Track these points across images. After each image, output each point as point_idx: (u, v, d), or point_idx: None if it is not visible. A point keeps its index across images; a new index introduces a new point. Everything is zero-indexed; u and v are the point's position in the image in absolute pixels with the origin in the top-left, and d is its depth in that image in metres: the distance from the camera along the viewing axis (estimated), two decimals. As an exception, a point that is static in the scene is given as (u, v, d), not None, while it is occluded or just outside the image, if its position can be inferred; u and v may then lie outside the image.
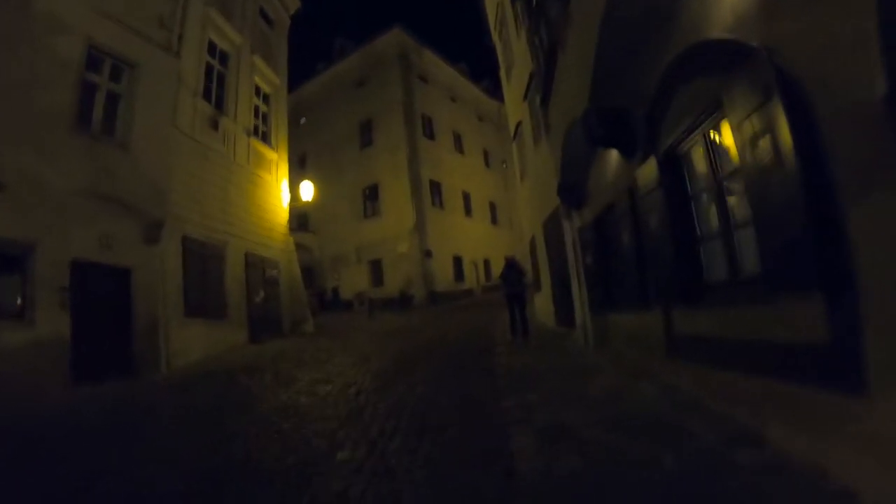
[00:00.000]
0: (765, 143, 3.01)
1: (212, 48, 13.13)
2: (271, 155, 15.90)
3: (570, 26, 5.45)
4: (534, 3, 7.18)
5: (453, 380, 6.84)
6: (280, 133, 16.76)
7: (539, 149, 10.17)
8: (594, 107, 4.87)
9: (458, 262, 28.87)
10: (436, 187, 28.29)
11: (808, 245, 2.74)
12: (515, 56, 12.01)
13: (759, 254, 3.34)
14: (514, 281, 10.08)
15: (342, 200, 28.47)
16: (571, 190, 7.43)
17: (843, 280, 2.53)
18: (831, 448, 2.68)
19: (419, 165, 27.01)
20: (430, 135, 29.10)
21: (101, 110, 9.41)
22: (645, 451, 3.46)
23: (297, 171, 26.49)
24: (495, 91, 36.56)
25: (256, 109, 15.35)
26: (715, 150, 3.85)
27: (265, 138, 15.73)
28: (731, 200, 3.76)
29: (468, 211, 31.44)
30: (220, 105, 13.20)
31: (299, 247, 19.68)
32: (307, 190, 17.50)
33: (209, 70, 12.95)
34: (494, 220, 34.73)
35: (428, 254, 25.79)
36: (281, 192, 16.31)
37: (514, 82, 12.71)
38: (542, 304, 12.51)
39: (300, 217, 29.02)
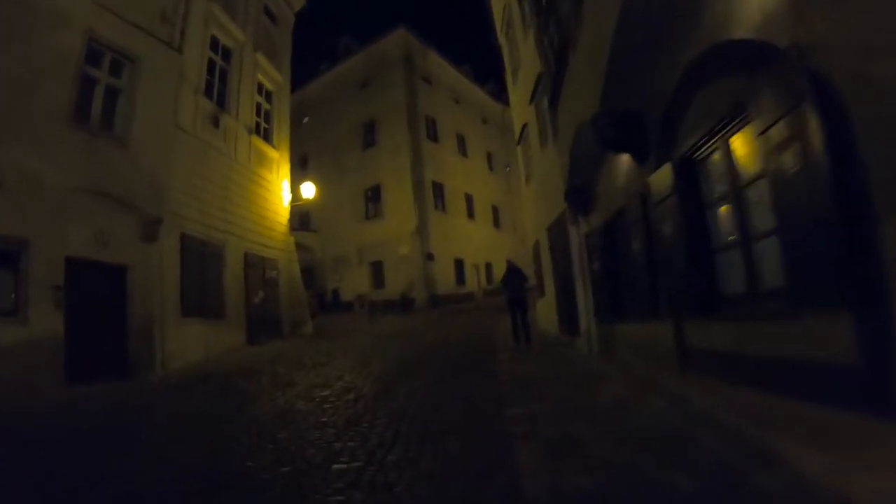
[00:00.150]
0: (794, 150, 2.85)
1: (214, 44, 12.98)
2: (273, 153, 15.74)
3: (582, 26, 5.28)
4: (543, 1, 7.02)
5: (455, 386, 6.66)
6: (282, 132, 16.61)
7: (545, 152, 10.00)
8: (606, 109, 4.70)
9: (459, 265, 28.70)
10: (438, 189, 28.13)
11: (839, 258, 2.58)
12: (522, 58, 11.84)
13: (782, 266, 3.18)
14: (515, 285, 9.92)
15: (344, 201, 28.32)
16: (579, 194, 7.26)
17: (876, 296, 2.38)
18: (857, 474, 2.51)
19: (422, 167, 26.85)
20: (434, 137, 28.94)
21: (100, 105, 9.26)
22: (658, 468, 3.28)
23: (300, 171, 26.40)
24: (500, 94, 36.47)
25: (258, 107, 15.20)
26: (735, 157, 3.67)
27: (267, 136, 15.57)
28: (752, 209, 3.59)
29: (471, 214, 31.27)
30: (221, 102, 13.04)
31: (300, 246, 19.51)
32: (309, 190, 17.31)
33: (211, 66, 12.80)
34: (497, 224, 34.55)
35: (430, 256, 25.62)
36: (282, 191, 16.15)
37: (521, 84, 12.54)
38: (544, 311, 12.32)
39: (302, 216, 28.89)
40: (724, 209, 3.92)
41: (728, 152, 3.72)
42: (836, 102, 2.54)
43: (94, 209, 8.68)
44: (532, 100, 10.38)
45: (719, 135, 3.74)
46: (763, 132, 3.14)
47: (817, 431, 2.91)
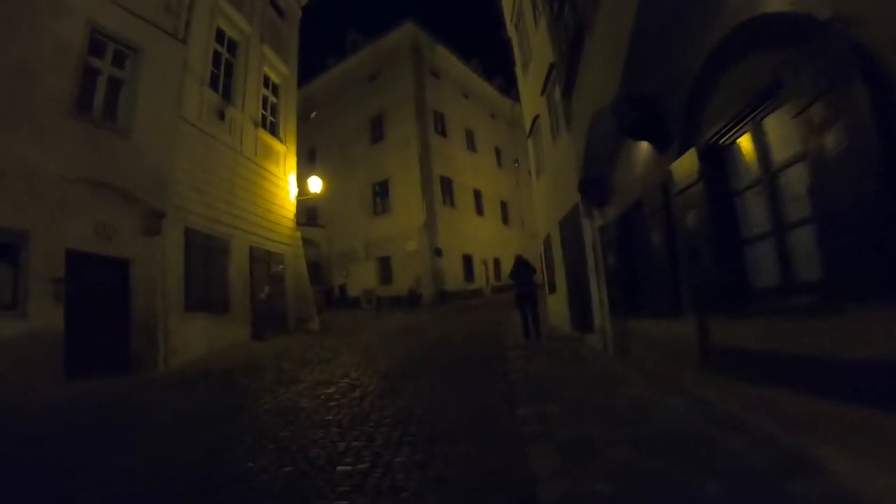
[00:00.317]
0: (837, 129, 2.59)
1: (220, 36, 12.77)
2: (279, 147, 15.55)
3: (600, 7, 5.02)
4: (557, -13, 6.76)
5: (464, 385, 6.45)
6: (289, 125, 16.39)
7: (557, 144, 9.74)
8: (626, 94, 4.44)
9: (467, 261, 28.44)
10: (447, 184, 27.87)
11: (888, 247, 2.33)
12: (533, 49, 11.58)
13: (821, 257, 2.93)
14: (524, 280, 9.80)
15: (352, 196, 28.13)
16: (594, 186, 6.99)
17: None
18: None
19: (430, 162, 26.60)
20: (442, 131, 28.67)
21: (102, 96, 9.07)
22: (685, 475, 3.05)
23: (307, 165, 26.27)
24: (508, 88, 36.22)
25: (265, 100, 14.99)
26: (767, 140, 3.41)
27: (273, 130, 15.37)
28: (785, 196, 3.33)
29: (479, 209, 30.99)
30: (227, 94, 12.84)
31: (307, 242, 19.35)
32: (316, 184, 17.12)
33: (217, 58, 12.59)
34: (505, 220, 34.27)
35: (438, 252, 25.39)
36: (289, 185, 15.96)
37: (531, 76, 12.27)
38: (556, 307, 12.05)
39: (309, 211, 28.78)
40: (754, 197, 3.66)
41: (759, 136, 3.46)
42: (885, 77, 2.30)
43: (95, 202, 8.51)
44: (543, 91, 10.11)
45: (750, 117, 3.48)
46: (801, 112, 2.88)
47: (857, 435, 2.68)
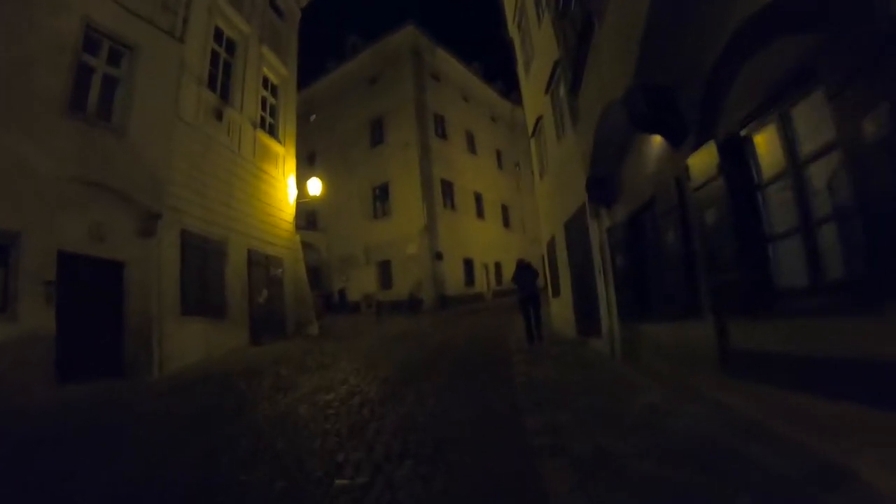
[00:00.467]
0: (878, 113, 2.37)
1: (218, 35, 12.59)
2: (278, 149, 15.35)
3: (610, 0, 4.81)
4: (564, -21, 6.56)
5: (468, 391, 6.20)
6: (288, 126, 16.18)
7: (562, 143, 9.52)
8: (640, 85, 4.22)
9: (468, 265, 28.19)
10: (447, 188, 27.64)
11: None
12: (536, 47, 11.38)
13: (857, 253, 2.71)
14: (527, 283, 9.69)
15: (352, 199, 27.92)
16: (601, 185, 6.77)
17: None
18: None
19: (431, 165, 26.39)
20: (443, 134, 28.48)
21: (97, 94, 8.86)
22: (712, 490, 2.82)
23: (307, 168, 26.05)
24: (508, 92, 36.08)
25: (264, 101, 14.80)
26: (795, 129, 3.19)
27: (272, 131, 15.16)
28: (815, 189, 3.10)
29: (480, 213, 30.75)
30: (225, 95, 12.64)
31: (306, 246, 19.13)
32: (315, 186, 16.91)
33: (215, 58, 12.40)
34: (506, 223, 34.03)
35: (438, 256, 25.15)
36: (288, 187, 15.74)
37: (534, 76, 12.07)
38: (560, 311, 11.81)
39: (309, 215, 28.57)
40: (778, 192, 3.43)
41: (786, 124, 3.24)
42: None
43: (89, 202, 8.30)
44: (547, 89, 9.90)
45: (776, 105, 3.26)
46: (836, 95, 2.67)
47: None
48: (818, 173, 3.05)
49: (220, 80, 12.60)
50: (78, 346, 7.87)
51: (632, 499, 2.81)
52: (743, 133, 3.62)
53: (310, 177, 17.63)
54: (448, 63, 30.25)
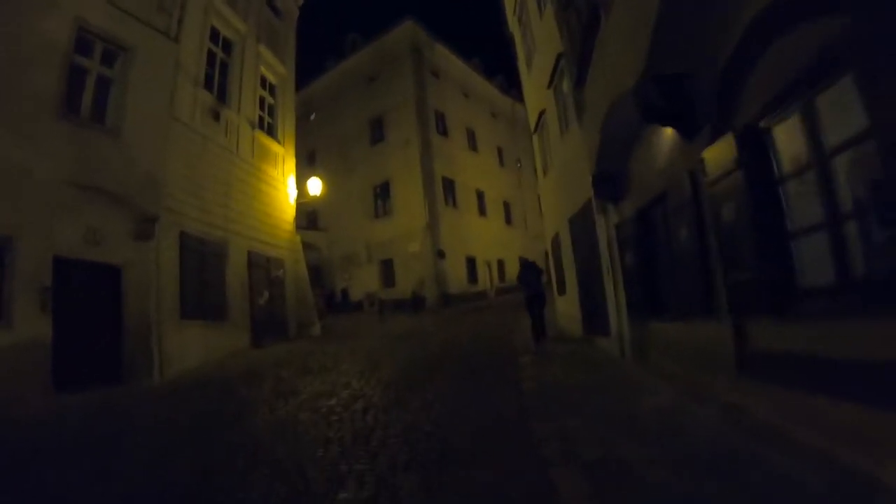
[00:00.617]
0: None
1: (214, 35, 12.40)
2: (277, 149, 15.16)
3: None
4: (567, -31, 6.36)
5: (474, 395, 6.02)
6: (287, 126, 15.99)
7: (566, 138, 9.32)
8: (652, 74, 4.02)
9: (471, 262, 27.97)
10: (449, 185, 27.41)
11: None
12: (538, 41, 11.17)
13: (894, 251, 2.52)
14: (532, 282, 9.59)
15: (353, 198, 27.73)
16: (609, 180, 6.58)
17: None
18: None
19: (432, 162, 26.17)
20: (443, 131, 28.25)
21: (90, 96, 8.71)
22: (734, 502, 2.65)
23: (307, 167, 25.86)
24: (509, 88, 35.82)
25: (262, 101, 14.62)
26: (821, 118, 3.00)
27: (271, 131, 14.98)
28: (843, 182, 2.91)
29: (482, 210, 30.51)
30: (222, 95, 12.47)
31: (308, 246, 18.97)
32: (315, 186, 16.73)
33: (211, 58, 12.22)
34: (509, 220, 33.78)
35: (440, 254, 24.95)
36: (287, 187, 15.56)
37: (536, 70, 11.86)
38: (566, 309, 11.62)
39: (309, 215, 28.42)
40: (802, 185, 3.24)
41: (810, 115, 3.04)
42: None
43: (84, 205, 8.14)
44: (550, 83, 9.69)
45: (799, 94, 3.07)
46: (868, 81, 2.48)
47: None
48: (845, 166, 2.86)
49: (217, 80, 12.43)
50: (75, 352, 7.75)
51: (652, 513, 2.64)
52: (763, 124, 3.43)
53: (310, 176, 17.46)
54: (448, 59, 30.02)
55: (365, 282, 26.68)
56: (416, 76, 26.86)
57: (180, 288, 9.95)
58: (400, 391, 6.45)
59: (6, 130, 7.12)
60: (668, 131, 4.69)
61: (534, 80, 12.45)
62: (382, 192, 27.20)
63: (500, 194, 32.95)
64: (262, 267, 13.33)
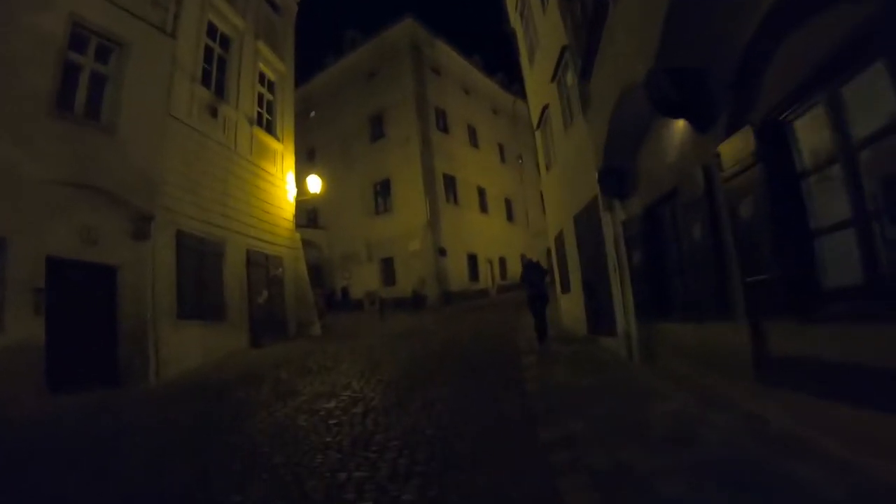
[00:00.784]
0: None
1: (212, 31, 12.21)
2: (276, 146, 14.97)
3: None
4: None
5: (477, 397, 5.85)
6: (286, 123, 15.79)
7: (571, 133, 9.13)
8: (664, 65, 3.83)
9: (472, 260, 27.78)
10: (450, 182, 27.21)
11: None
12: (540, 35, 10.97)
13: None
14: (536, 281, 9.49)
15: (353, 196, 27.55)
16: (615, 176, 6.39)
17: None
18: None
19: (432, 159, 25.97)
20: (444, 128, 28.04)
21: (85, 93, 8.51)
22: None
23: (307, 165, 25.68)
24: (510, 85, 35.57)
25: (260, 97, 14.42)
26: (847, 109, 2.82)
27: (269, 128, 14.79)
28: (872, 176, 2.73)
29: (483, 207, 30.29)
30: (220, 91, 12.27)
31: (307, 244, 18.79)
32: (314, 183, 16.55)
33: (208, 54, 12.03)
34: (510, 217, 33.56)
35: (442, 252, 24.77)
36: (287, 185, 15.38)
37: (539, 65, 11.66)
38: (569, 309, 11.43)
39: (309, 213, 28.27)
40: (826, 180, 3.06)
41: (836, 105, 2.86)
42: None
43: (78, 205, 7.96)
44: (554, 77, 9.49)
45: (823, 82, 2.89)
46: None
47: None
48: (875, 158, 2.68)
49: (215, 76, 12.24)
50: (70, 354, 7.60)
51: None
52: (784, 115, 3.24)
53: (310, 174, 17.28)
54: (448, 56, 29.79)
55: (365, 280, 26.51)
56: (416, 73, 26.66)
57: (177, 288, 9.78)
58: (401, 393, 6.30)
59: (-4, 128, 6.95)
60: (680, 124, 4.50)
61: (536, 75, 12.25)
62: (383, 190, 27.02)
63: (501, 191, 32.74)
64: (260, 266, 13.16)
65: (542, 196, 17.50)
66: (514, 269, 29.30)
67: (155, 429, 5.80)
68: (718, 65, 3.69)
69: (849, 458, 2.81)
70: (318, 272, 25.48)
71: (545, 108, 11.34)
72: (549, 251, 14.97)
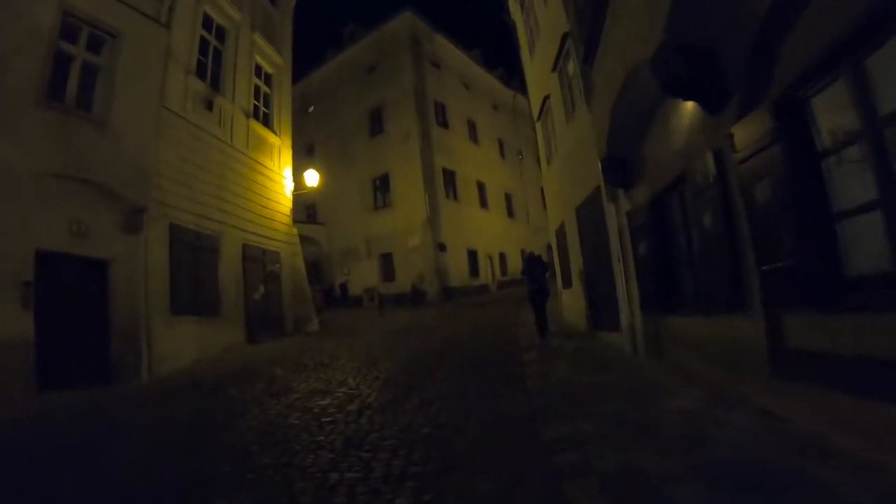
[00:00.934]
0: None
1: (207, 22, 11.99)
2: (273, 139, 14.76)
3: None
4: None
5: (477, 395, 5.64)
6: (283, 116, 15.58)
7: (572, 123, 8.91)
8: (673, 43, 3.61)
9: (472, 255, 27.57)
10: (449, 177, 26.98)
11: None
12: (541, 24, 10.75)
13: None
14: (537, 276, 9.29)
15: (352, 191, 27.34)
16: (619, 165, 6.17)
17: None
18: None
19: (432, 154, 25.73)
20: (444, 123, 27.79)
21: (76, 84, 8.30)
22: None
23: (305, 160, 25.43)
24: (510, 80, 35.30)
25: (257, 90, 14.20)
26: (871, 83, 2.60)
27: (267, 121, 14.57)
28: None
29: (483, 202, 30.05)
30: (215, 84, 12.06)
31: (306, 239, 18.60)
32: (312, 177, 16.34)
33: (204, 46, 11.80)
34: (510, 213, 33.33)
35: (441, 247, 24.56)
36: (284, 179, 15.17)
37: (539, 55, 11.44)
38: (571, 303, 11.23)
39: (308, 208, 28.10)
40: (849, 161, 2.85)
41: (860, 79, 2.64)
42: None
43: (69, 197, 7.76)
44: (555, 66, 9.26)
45: (846, 55, 2.67)
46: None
47: None
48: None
49: (210, 68, 12.02)
50: (60, 350, 7.41)
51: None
52: (803, 92, 3.03)
53: (308, 169, 17.08)
54: (447, 50, 29.53)
55: (364, 276, 26.30)
56: (416, 67, 26.41)
57: (171, 282, 9.58)
58: (398, 390, 6.11)
59: (-17, 118, 6.75)
60: (689, 106, 4.28)
61: (537, 66, 12.03)
62: (382, 185, 26.80)
63: (501, 186, 32.52)
64: (257, 261, 12.97)
65: (542, 192, 17.26)
66: (515, 264, 29.11)
67: (144, 427, 5.61)
68: (731, 40, 3.47)
69: (878, 460, 2.61)
70: (316, 268, 25.29)
71: (546, 98, 11.12)
72: (549, 247, 14.76)
